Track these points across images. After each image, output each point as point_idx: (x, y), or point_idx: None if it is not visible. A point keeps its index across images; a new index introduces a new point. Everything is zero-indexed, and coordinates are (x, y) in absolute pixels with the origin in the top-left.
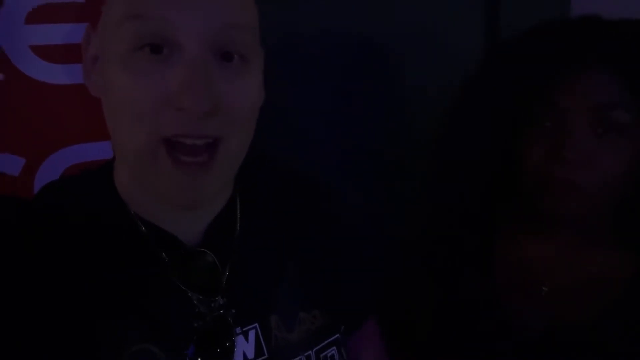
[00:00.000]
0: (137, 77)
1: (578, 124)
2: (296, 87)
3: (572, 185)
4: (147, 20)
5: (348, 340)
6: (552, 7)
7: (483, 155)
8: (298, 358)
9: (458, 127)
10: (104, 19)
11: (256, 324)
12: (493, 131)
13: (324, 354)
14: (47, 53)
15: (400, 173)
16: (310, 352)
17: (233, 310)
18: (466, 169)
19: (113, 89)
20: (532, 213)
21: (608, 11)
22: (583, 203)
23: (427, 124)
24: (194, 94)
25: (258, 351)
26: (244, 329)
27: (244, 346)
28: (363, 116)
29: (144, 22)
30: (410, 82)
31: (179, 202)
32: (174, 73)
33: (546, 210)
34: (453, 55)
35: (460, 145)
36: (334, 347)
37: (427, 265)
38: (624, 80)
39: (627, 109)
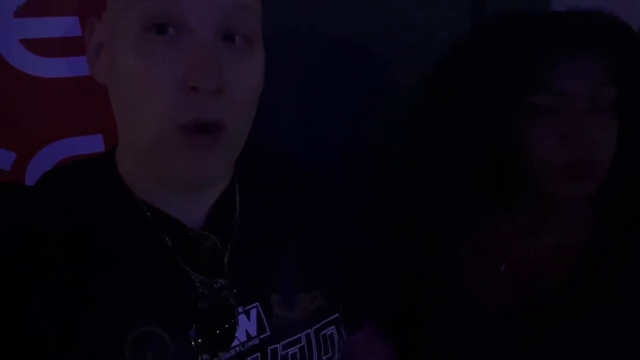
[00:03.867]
0: (146, 60)
1: (581, 105)
2: (285, 82)
3: (588, 167)
4: (157, 1)
5: (349, 340)
6: (534, 3)
7: (474, 145)
8: (298, 336)
9: (438, 113)
10: (111, 4)
11: (257, 303)
12: (485, 120)
13: (323, 332)
14: (37, 46)
15: (389, 163)
16: (309, 330)
17: (235, 291)
18: (440, 153)
19: (122, 74)
20: (501, 195)
21: (587, 4)
22: (595, 182)
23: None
24: (206, 72)
25: (260, 329)
26: (245, 308)
27: (246, 324)
28: (349, 107)
29: (154, 3)
30: (397, 73)
31: (194, 180)
32: (184, 54)
33: (560, 194)
34: (439, 50)
35: (437, 128)
36: (333, 327)
37: (405, 249)
38: (606, 61)
39: (615, 84)
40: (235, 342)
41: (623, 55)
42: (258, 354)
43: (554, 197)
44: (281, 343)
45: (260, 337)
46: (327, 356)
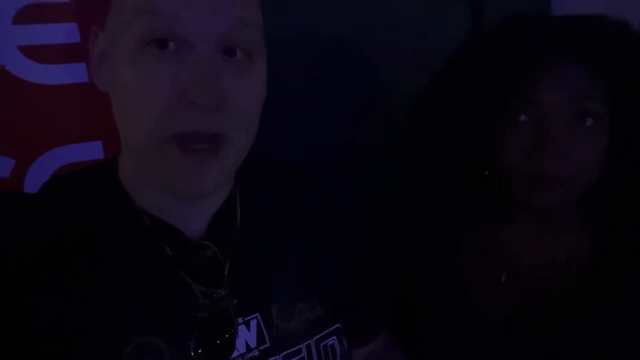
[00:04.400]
0: (146, 73)
1: (555, 117)
2: (284, 86)
3: (553, 178)
4: (158, 16)
5: (360, 351)
6: (533, 7)
7: (456, 148)
8: (298, 347)
9: (433, 121)
10: (113, 15)
11: (257, 314)
12: (468, 125)
13: (324, 343)
14: (36, 53)
15: (384, 166)
16: (310, 341)
17: (235, 301)
18: (439, 161)
19: (122, 85)
20: (503, 202)
21: (586, 9)
22: (562, 193)
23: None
24: (205, 88)
25: (260, 340)
26: (245, 319)
27: (246, 335)
28: (348, 112)
29: (154, 18)
30: (396, 77)
31: (187, 191)
32: (184, 69)
33: (526, 201)
34: (438, 52)
35: (433, 138)
36: (334, 337)
37: (403, 255)
38: (594, 71)
39: (599, 99)
40: (235, 353)
41: (612, 68)
42: None
43: (520, 204)
44: (281, 354)
45: (260, 348)
46: None
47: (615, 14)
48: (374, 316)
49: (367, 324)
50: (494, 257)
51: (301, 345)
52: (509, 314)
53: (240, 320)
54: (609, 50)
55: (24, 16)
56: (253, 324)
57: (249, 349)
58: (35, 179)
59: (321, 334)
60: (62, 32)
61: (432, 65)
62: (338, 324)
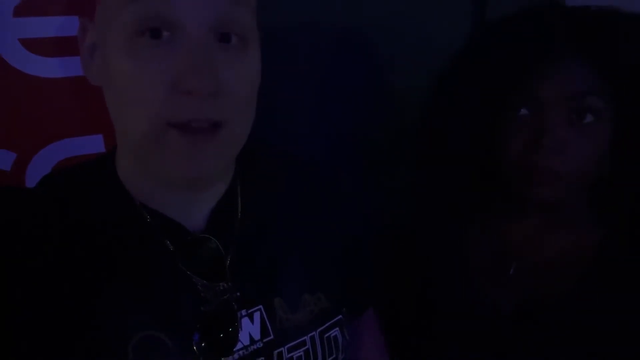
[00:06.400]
0: (140, 63)
1: (555, 112)
2: (287, 83)
3: (550, 173)
4: (147, 4)
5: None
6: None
7: (462, 143)
8: (302, 339)
9: (438, 116)
10: (102, 5)
11: (260, 306)
12: (472, 119)
13: (328, 334)
14: (37, 46)
15: (388, 162)
16: (314, 333)
17: (237, 294)
18: (445, 156)
19: (116, 77)
20: (507, 197)
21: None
22: (560, 188)
23: (414, 114)
24: (200, 75)
25: (264, 332)
26: (249, 311)
27: (250, 328)
28: (351, 107)
29: (144, 6)
30: (398, 73)
31: (186, 173)
32: (178, 57)
33: (525, 195)
34: (441, 47)
35: (440, 134)
36: (337, 328)
37: (409, 249)
38: (597, 67)
39: (601, 95)
40: (239, 346)
41: (618, 65)
42: (262, 358)
43: (521, 198)
44: (286, 346)
45: (264, 340)
46: (331, 358)
47: (628, 6)
48: (367, 301)
49: (359, 308)
50: (503, 251)
51: (305, 337)
52: (519, 307)
53: (243, 312)
54: (615, 46)
55: (24, 8)
56: (256, 316)
57: (252, 341)
58: (36, 172)
59: (325, 326)
60: (63, 25)
61: (436, 62)
62: (340, 315)
